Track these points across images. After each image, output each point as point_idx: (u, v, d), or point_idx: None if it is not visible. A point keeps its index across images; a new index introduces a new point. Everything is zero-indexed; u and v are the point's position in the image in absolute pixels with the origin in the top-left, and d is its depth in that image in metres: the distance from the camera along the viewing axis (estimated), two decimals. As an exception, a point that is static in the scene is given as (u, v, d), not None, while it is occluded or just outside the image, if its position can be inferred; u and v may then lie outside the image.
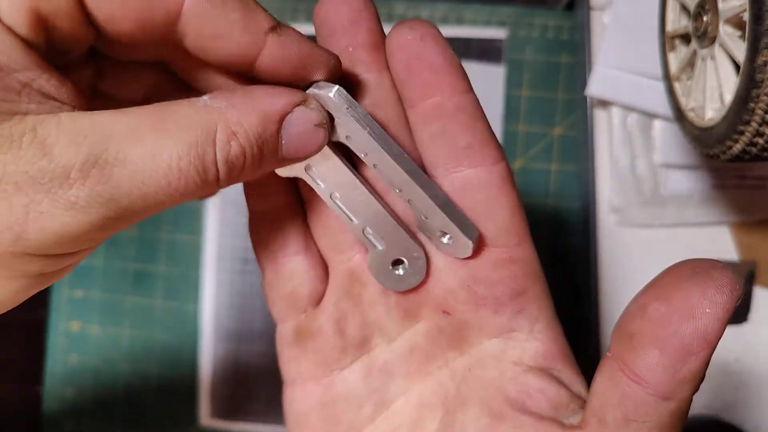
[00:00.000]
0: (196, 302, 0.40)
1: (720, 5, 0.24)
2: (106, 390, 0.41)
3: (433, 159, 0.20)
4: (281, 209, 0.21)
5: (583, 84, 0.36)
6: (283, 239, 0.21)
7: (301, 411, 0.22)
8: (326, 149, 0.20)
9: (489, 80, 0.39)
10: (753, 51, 0.21)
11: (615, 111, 0.36)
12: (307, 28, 0.40)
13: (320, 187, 0.20)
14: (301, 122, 0.18)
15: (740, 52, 0.23)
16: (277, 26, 0.18)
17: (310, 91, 0.19)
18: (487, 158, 0.19)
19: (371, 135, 0.19)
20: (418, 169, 0.20)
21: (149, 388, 0.41)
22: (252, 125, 0.17)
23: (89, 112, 0.16)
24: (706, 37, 0.25)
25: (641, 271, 0.36)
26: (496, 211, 0.20)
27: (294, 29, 0.19)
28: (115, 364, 0.41)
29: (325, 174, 0.20)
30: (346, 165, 0.20)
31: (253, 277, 0.40)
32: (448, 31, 0.39)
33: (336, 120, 0.19)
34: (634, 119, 0.36)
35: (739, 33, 0.24)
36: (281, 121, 0.18)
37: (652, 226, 0.37)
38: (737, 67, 0.24)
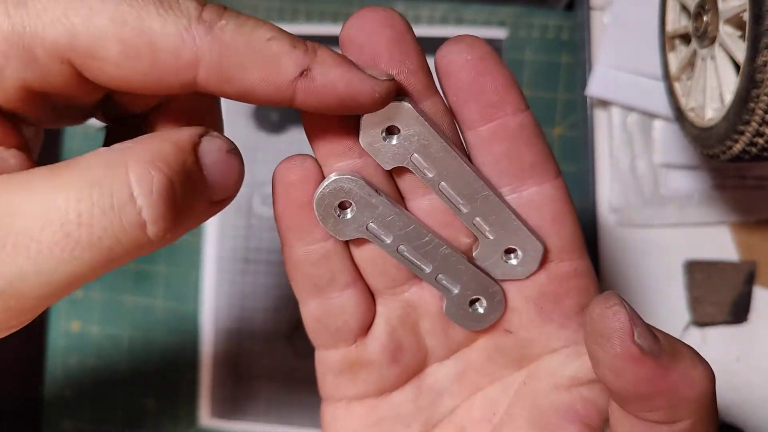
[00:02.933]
0: (196, 302, 0.40)
1: (720, 5, 0.24)
2: (106, 390, 0.41)
3: (498, 179, 0.19)
4: (325, 245, 0.20)
5: (583, 84, 0.36)
6: (331, 275, 0.20)
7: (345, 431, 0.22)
8: (386, 202, 0.19)
9: (489, 80, 0.39)
10: (753, 51, 0.21)
11: (615, 111, 0.36)
12: (307, 28, 0.40)
13: (386, 242, 0.19)
14: (213, 149, 0.17)
15: (740, 52, 0.23)
16: (307, 69, 0.16)
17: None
18: (550, 173, 0.19)
19: (447, 144, 0.18)
20: (488, 180, 0.19)
21: (149, 388, 0.41)
22: (170, 152, 0.15)
23: None
24: (706, 37, 0.25)
25: (641, 271, 0.36)
26: (562, 226, 0.20)
27: (334, 57, 0.16)
28: (115, 363, 0.41)
29: (388, 228, 0.19)
30: (408, 213, 0.19)
31: (253, 277, 0.40)
32: (448, 31, 0.39)
33: (402, 133, 0.18)
34: (634, 119, 0.36)
35: (739, 33, 0.24)
36: (195, 149, 0.16)
37: (652, 226, 0.37)
38: (737, 67, 0.24)
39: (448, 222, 0.20)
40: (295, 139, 0.40)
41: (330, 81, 0.16)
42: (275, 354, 0.40)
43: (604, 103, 0.36)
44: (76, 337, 0.41)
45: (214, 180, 0.17)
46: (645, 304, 0.36)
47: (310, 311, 0.21)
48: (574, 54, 0.39)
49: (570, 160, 0.39)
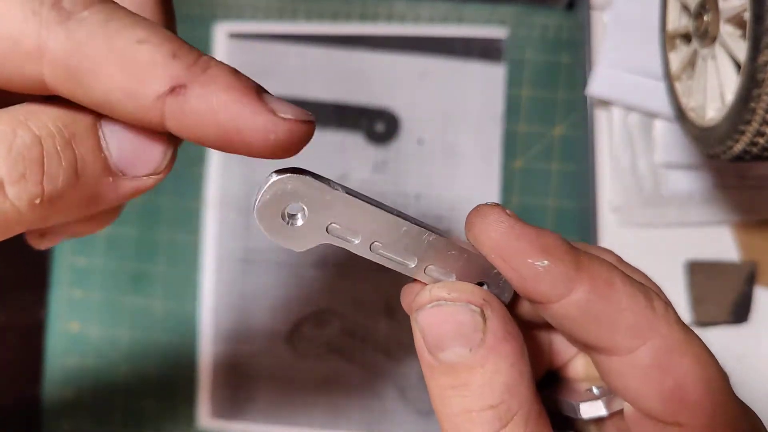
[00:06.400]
0: (196, 302, 0.40)
1: (721, 4, 0.24)
2: (105, 390, 0.41)
3: None
4: None
5: (584, 84, 0.36)
6: None
7: None
8: (342, 195, 0.16)
9: (489, 80, 0.39)
10: (754, 50, 0.21)
11: (615, 111, 0.36)
12: (307, 28, 0.40)
13: (354, 243, 0.16)
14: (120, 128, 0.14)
15: (741, 51, 0.23)
16: (182, 86, 0.13)
17: (273, 176, 0.15)
18: None
19: (365, 200, 0.16)
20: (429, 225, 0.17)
21: (148, 389, 0.41)
22: (58, 115, 0.13)
23: None
24: (707, 36, 0.25)
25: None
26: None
27: (228, 78, 0.13)
28: (114, 364, 0.41)
29: (354, 226, 0.16)
30: (375, 204, 0.16)
31: (253, 277, 0.40)
32: (448, 30, 0.39)
33: (308, 213, 0.15)
34: (634, 119, 0.36)
35: (740, 32, 0.24)
36: (96, 122, 0.14)
37: (652, 226, 0.37)
38: (738, 66, 0.24)
39: None
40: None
41: (208, 107, 0.13)
42: (275, 354, 0.40)
43: (605, 103, 0.36)
44: (75, 337, 0.41)
45: (122, 158, 0.14)
46: (645, 304, 0.36)
47: None
48: (574, 54, 0.39)
49: (570, 160, 0.39)
